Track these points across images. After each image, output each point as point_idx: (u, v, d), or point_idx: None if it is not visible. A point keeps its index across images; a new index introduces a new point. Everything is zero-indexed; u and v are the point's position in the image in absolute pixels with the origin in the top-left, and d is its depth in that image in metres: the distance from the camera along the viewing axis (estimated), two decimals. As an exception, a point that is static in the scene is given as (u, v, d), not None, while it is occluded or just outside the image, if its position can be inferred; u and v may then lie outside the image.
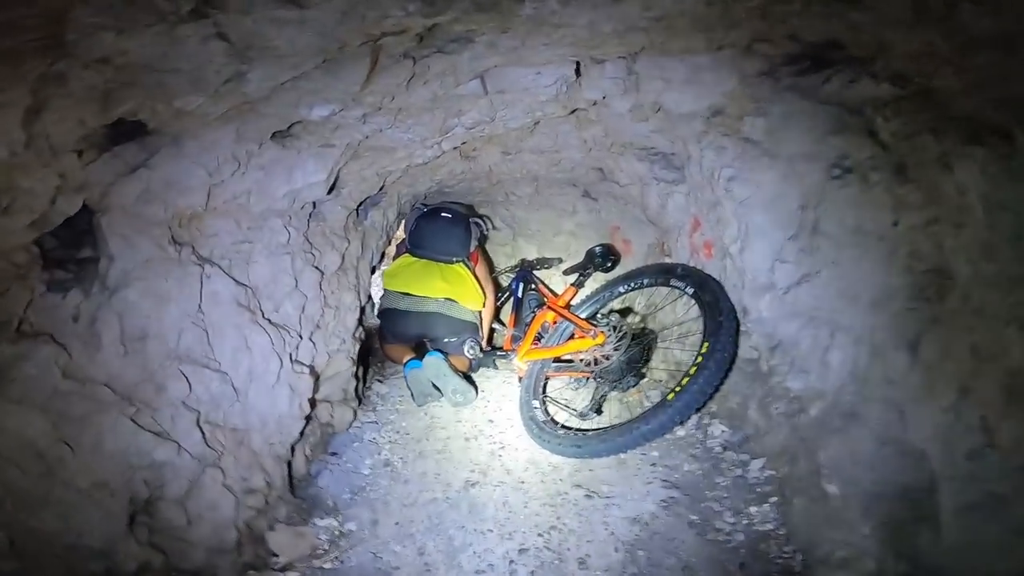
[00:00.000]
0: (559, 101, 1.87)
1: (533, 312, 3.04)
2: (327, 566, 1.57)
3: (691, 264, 2.24)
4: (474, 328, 2.91)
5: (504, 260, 4.10)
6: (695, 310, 2.04)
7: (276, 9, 1.00)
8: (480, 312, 3.01)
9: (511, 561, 1.55)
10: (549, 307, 2.68)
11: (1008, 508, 1.05)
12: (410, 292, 2.85)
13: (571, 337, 2.47)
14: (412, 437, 2.33)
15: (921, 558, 1.17)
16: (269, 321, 1.84)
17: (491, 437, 2.29)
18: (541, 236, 3.88)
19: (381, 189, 2.46)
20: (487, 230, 3.64)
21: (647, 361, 2.37)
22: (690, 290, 2.05)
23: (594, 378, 2.27)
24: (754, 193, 1.76)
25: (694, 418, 2.05)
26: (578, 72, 1.72)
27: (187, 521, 1.43)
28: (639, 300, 2.73)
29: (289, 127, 1.64)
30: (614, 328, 2.24)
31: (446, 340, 2.79)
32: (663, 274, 2.22)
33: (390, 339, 2.91)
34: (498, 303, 3.40)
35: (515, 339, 3.04)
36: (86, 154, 1.13)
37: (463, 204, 3.43)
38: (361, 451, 2.20)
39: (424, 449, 2.22)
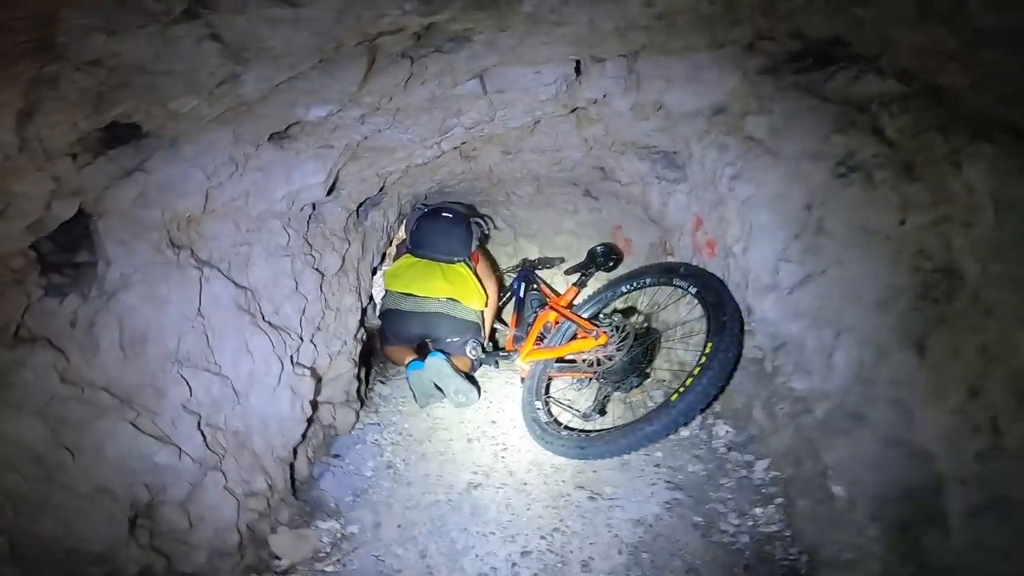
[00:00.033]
0: (559, 100, 1.85)
1: (535, 312, 3.02)
2: (329, 569, 1.56)
3: (693, 263, 2.22)
4: (476, 328, 2.90)
5: (506, 260, 4.09)
6: (698, 310, 2.02)
7: (270, 9, 0.99)
8: (482, 312, 3.00)
9: (514, 564, 1.54)
10: (551, 307, 2.67)
11: (1018, 510, 1.03)
12: (412, 292, 2.84)
13: (573, 337, 2.46)
14: (414, 439, 2.33)
15: (928, 560, 1.15)
16: (269, 324, 1.83)
17: (494, 438, 2.28)
18: (542, 236, 3.87)
19: (381, 190, 2.45)
20: (488, 230, 3.63)
21: (650, 361, 2.36)
22: (693, 289, 2.03)
23: (597, 379, 2.25)
24: (757, 192, 1.74)
25: (698, 418, 2.03)
26: (578, 71, 1.70)
27: (189, 524, 1.43)
28: (642, 300, 2.71)
29: (286, 128, 1.63)
30: (617, 328, 2.23)
31: (449, 340, 2.78)
32: (666, 273, 2.20)
33: (391, 340, 2.90)
34: (500, 303, 3.39)
35: (517, 339, 3.03)
36: (81, 157, 1.12)
37: (464, 204, 3.42)
38: (363, 453, 2.19)
39: (426, 451, 2.21)
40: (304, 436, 1.95)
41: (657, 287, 2.31)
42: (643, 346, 2.22)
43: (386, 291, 2.98)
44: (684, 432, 2.05)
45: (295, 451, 1.90)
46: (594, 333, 2.24)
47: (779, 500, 1.61)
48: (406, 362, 2.62)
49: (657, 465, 1.92)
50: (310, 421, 1.99)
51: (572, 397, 2.44)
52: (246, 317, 1.73)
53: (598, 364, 2.22)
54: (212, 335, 1.60)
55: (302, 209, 2.02)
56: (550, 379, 2.51)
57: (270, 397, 1.78)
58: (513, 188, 3.30)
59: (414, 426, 2.44)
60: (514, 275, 3.47)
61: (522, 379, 2.51)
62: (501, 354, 2.99)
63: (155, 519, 1.37)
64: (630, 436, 1.81)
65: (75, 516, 1.22)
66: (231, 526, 1.53)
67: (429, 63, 1.46)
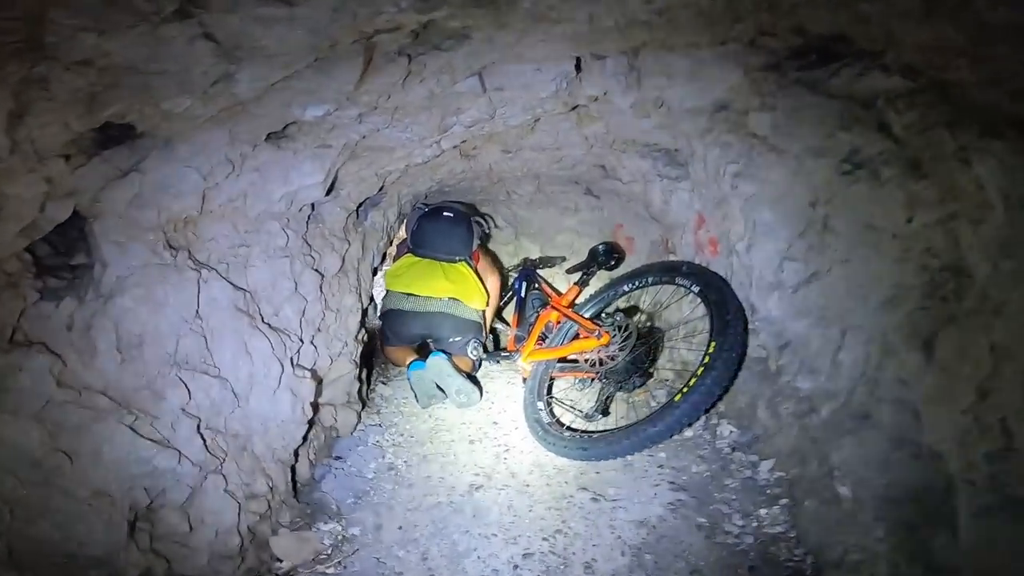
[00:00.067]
0: (559, 98, 1.83)
1: (536, 312, 3.00)
2: (330, 571, 1.56)
3: (696, 262, 2.20)
4: (478, 328, 2.88)
5: (507, 259, 4.08)
6: (701, 309, 2.01)
7: (263, 7, 0.97)
8: (484, 311, 2.98)
9: (516, 566, 1.53)
10: (553, 307, 2.65)
11: (1029, 512, 1.01)
12: (414, 292, 2.82)
13: (575, 337, 2.44)
14: (416, 440, 2.32)
15: (936, 561, 1.14)
16: (269, 325, 1.82)
17: (496, 439, 2.27)
18: (543, 234, 3.85)
19: (381, 189, 2.43)
20: (489, 229, 3.62)
21: (653, 361, 2.34)
22: (696, 288, 2.02)
23: (599, 379, 2.24)
24: (761, 190, 1.72)
25: (702, 418, 2.01)
26: (578, 68, 1.68)
27: (189, 527, 1.42)
28: (644, 299, 2.69)
29: (283, 128, 1.61)
30: (619, 328, 2.21)
31: (450, 340, 2.77)
32: (668, 272, 2.18)
33: (392, 340, 2.88)
34: (501, 302, 3.37)
35: (519, 339, 3.02)
36: (74, 159, 1.11)
37: (464, 203, 3.41)
38: (365, 455, 2.18)
39: (428, 452, 2.20)
40: (305, 438, 1.94)
41: (659, 286, 2.29)
42: (646, 346, 2.21)
43: (387, 291, 2.97)
44: (688, 432, 2.04)
45: (296, 453, 1.89)
46: (596, 333, 2.22)
47: (784, 501, 1.60)
48: (407, 362, 2.60)
49: (660, 466, 1.91)
50: (311, 423, 1.98)
51: (575, 397, 2.42)
52: (245, 319, 1.72)
53: (601, 364, 2.21)
54: (211, 337, 1.59)
55: (301, 210, 2.00)
56: (552, 379, 2.49)
57: (270, 399, 1.77)
58: (514, 187, 3.28)
59: (416, 427, 2.43)
60: (515, 274, 3.45)
61: (524, 379, 2.49)
62: (503, 354, 2.98)
63: (155, 522, 1.36)
64: (633, 437, 1.80)
65: (73, 520, 1.21)
66: (232, 529, 1.52)
67: (427, 61, 1.45)
